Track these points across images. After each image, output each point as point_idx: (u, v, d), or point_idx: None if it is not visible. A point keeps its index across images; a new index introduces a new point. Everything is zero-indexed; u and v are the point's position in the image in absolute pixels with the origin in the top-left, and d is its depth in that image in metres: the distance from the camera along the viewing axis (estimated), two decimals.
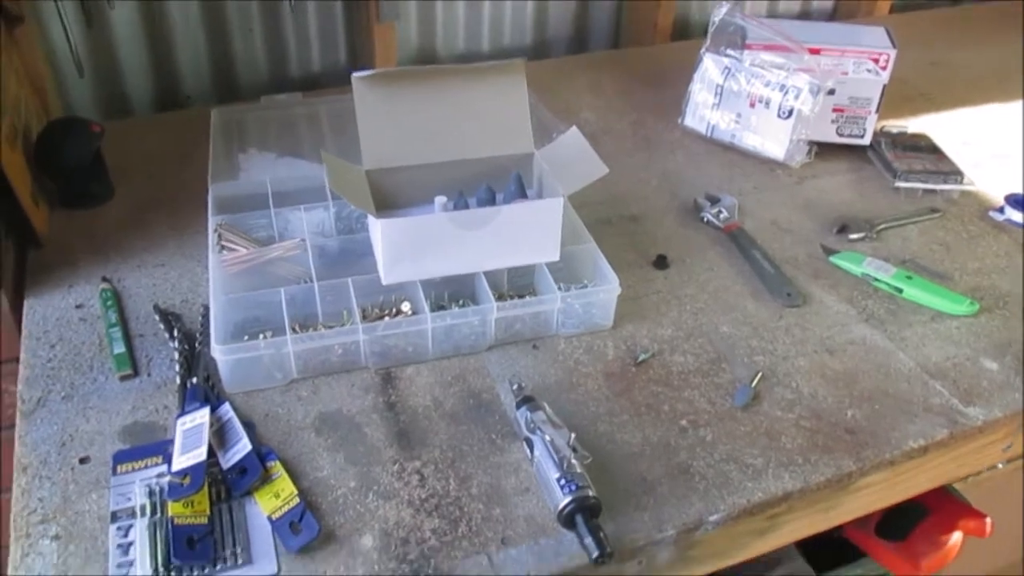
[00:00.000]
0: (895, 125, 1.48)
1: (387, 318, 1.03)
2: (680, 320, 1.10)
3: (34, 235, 1.16)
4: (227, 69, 1.63)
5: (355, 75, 1.03)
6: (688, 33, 1.94)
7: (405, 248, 1.00)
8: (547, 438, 0.87)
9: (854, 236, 1.24)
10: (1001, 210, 1.31)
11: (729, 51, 1.37)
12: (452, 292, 1.07)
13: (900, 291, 1.14)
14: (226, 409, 0.93)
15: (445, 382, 1.00)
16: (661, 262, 1.18)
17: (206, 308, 1.07)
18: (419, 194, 1.09)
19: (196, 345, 1.01)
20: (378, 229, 0.97)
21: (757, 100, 1.36)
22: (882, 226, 1.27)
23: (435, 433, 0.93)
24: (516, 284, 1.09)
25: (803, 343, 1.07)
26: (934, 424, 0.97)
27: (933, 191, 1.35)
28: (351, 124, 1.06)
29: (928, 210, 1.31)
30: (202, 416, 0.89)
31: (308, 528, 0.81)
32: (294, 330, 0.98)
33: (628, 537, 0.83)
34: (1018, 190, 1.34)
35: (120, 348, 1.01)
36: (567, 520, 0.82)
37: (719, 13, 1.38)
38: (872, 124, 1.40)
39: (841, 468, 0.92)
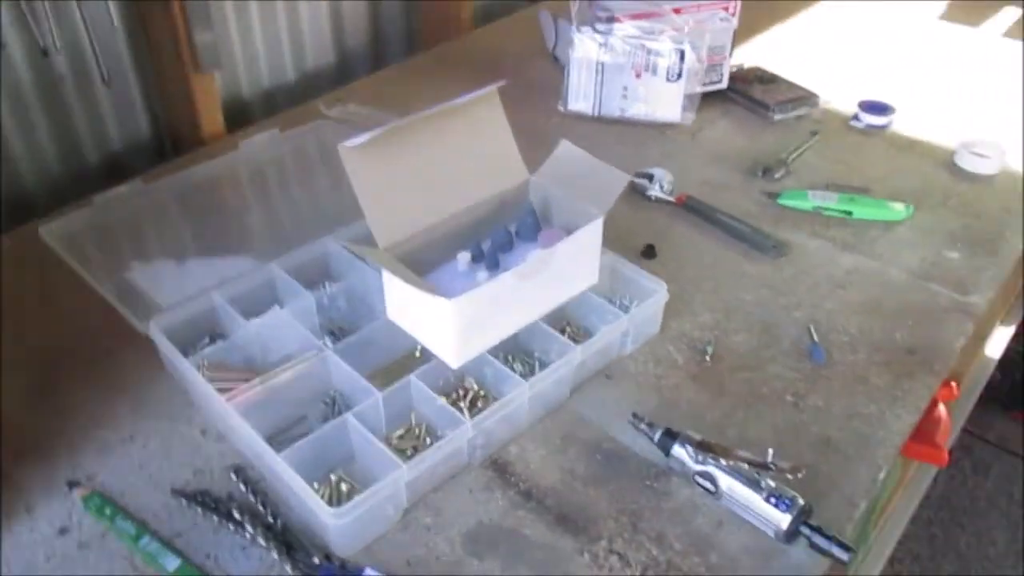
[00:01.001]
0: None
1: (462, 403, 0.91)
2: (708, 302, 1.09)
3: None
4: (13, 176, 1.30)
5: (344, 146, 0.87)
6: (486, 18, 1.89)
7: (474, 322, 0.88)
8: (727, 463, 0.83)
9: (778, 175, 1.32)
10: (857, 117, 1.47)
11: (599, 27, 1.36)
12: (507, 350, 0.97)
13: (850, 213, 1.24)
14: (373, 574, 0.76)
15: (558, 447, 0.91)
16: (650, 251, 1.16)
17: (237, 469, 0.87)
18: (434, 256, 0.96)
19: (271, 519, 0.82)
20: (447, 310, 0.84)
21: (643, 69, 1.37)
22: (789, 159, 1.36)
23: (593, 505, 0.85)
24: (554, 317, 1.01)
25: (816, 287, 1.12)
26: (958, 320, 1.08)
27: (802, 116, 1.47)
28: (211, 198, 0.94)
29: (809, 135, 1.43)
30: None
31: None
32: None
33: (839, 527, 0.83)
34: (860, 97, 1.50)
35: (174, 561, 0.78)
36: (791, 536, 0.80)
37: None
38: (727, 69, 1.48)
39: (931, 386, 0.99)
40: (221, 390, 0.89)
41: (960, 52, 1.75)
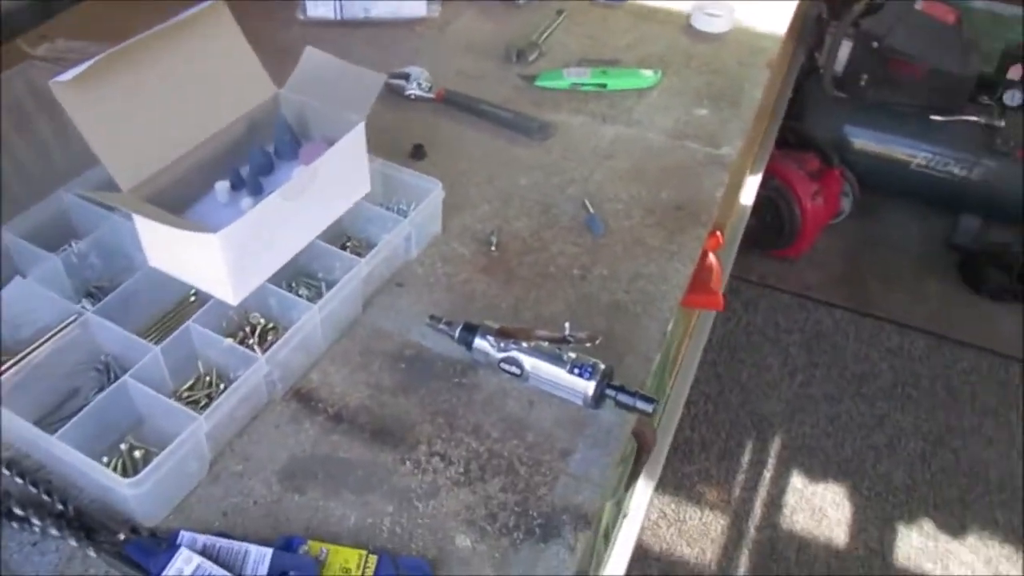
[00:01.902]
0: None
1: (251, 340, 0.86)
2: (484, 193, 1.09)
3: None
4: None
5: (56, 83, 0.77)
6: None
7: (247, 253, 0.82)
8: (528, 345, 0.84)
9: (532, 57, 1.32)
10: None
11: None
12: (289, 276, 0.92)
13: (604, 86, 1.27)
14: (191, 538, 0.72)
15: (360, 364, 0.88)
16: (419, 151, 1.14)
17: (8, 463, 0.77)
18: (190, 191, 0.89)
19: (60, 505, 0.74)
20: (215, 245, 0.78)
21: None
22: (540, 40, 1.36)
23: (406, 413, 0.84)
24: (333, 233, 0.97)
25: (584, 161, 1.15)
26: (714, 172, 1.15)
27: None
28: None
29: (556, 13, 1.44)
30: (186, 560, 0.68)
31: (417, 569, 0.70)
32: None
33: (639, 382, 0.87)
34: None
35: None
36: (598, 400, 0.83)
37: None
38: None
39: (699, 237, 1.05)
40: None
41: None
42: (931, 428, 2.12)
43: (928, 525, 1.91)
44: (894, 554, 1.85)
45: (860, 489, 1.98)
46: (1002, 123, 2.39)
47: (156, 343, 0.81)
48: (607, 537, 1.34)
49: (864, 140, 2.59)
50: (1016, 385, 2.23)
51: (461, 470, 0.79)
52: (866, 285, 2.53)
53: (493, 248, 1.01)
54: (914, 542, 1.87)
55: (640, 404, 0.82)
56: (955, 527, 1.91)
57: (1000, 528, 1.91)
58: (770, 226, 2.45)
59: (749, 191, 2.10)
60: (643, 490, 1.58)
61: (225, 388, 0.81)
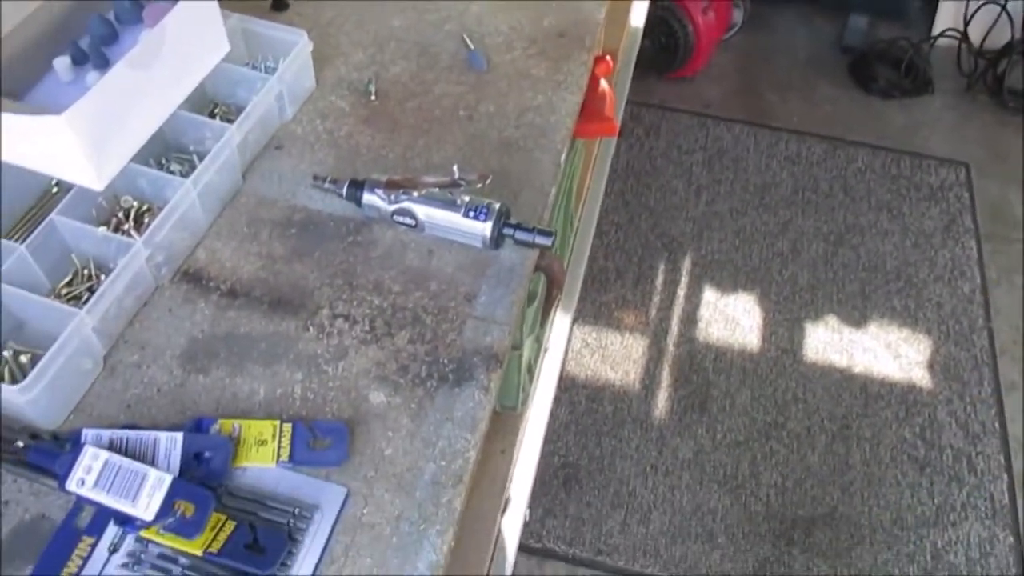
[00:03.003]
0: None
1: (126, 226, 0.81)
2: (357, 39, 1.03)
3: None
4: None
5: None
6: None
7: (103, 132, 0.76)
8: (419, 194, 0.82)
9: None
10: None
11: None
12: (157, 152, 0.86)
13: None
14: (95, 434, 0.69)
15: (248, 235, 0.85)
16: (279, 2, 1.05)
17: None
18: (25, 72, 0.81)
19: None
20: (64, 127, 0.72)
21: None
22: None
23: (303, 279, 0.82)
24: (197, 101, 0.90)
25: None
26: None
27: None
28: None
29: None
30: (93, 457, 0.66)
31: (334, 431, 0.70)
32: None
33: (537, 216, 0.86)
34: None
35: None
36: (496, 241, 0.82)
37: None
38: None
39: (586, 63, 1.02)
40: None
41: None
42: (831, 228, 2.19)
43: (832, 320, 2.01)
44: (803, 351, 1.95)
45: (769, 295, 2.06)
46: None
47: (22, 242, 0.76)
48: (531, 372, 1.37)
49: None
50: (906, 177, 2.31)
51: (367, 328, 0.78)
52: (762, 96, 2.55)
53: (373, 97, 0.96)
54: (820, 337, 1.98)
55: (539, 239, 0.81)
56: (857, 318, 2.02)
57: (897, 314, 2.02)
58: (664, 47, 2.41)
59: (639, 13, 2.05)
60: (562, 323, 1.61)
61: (107, 279, 0.77)
